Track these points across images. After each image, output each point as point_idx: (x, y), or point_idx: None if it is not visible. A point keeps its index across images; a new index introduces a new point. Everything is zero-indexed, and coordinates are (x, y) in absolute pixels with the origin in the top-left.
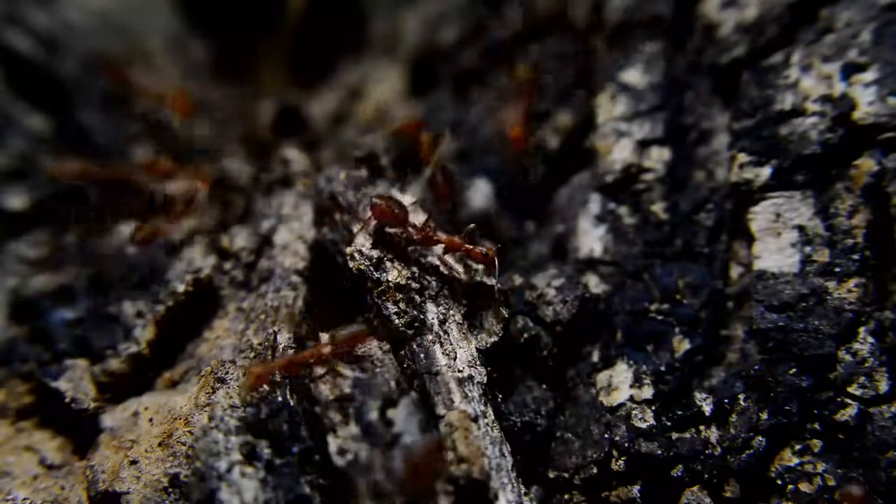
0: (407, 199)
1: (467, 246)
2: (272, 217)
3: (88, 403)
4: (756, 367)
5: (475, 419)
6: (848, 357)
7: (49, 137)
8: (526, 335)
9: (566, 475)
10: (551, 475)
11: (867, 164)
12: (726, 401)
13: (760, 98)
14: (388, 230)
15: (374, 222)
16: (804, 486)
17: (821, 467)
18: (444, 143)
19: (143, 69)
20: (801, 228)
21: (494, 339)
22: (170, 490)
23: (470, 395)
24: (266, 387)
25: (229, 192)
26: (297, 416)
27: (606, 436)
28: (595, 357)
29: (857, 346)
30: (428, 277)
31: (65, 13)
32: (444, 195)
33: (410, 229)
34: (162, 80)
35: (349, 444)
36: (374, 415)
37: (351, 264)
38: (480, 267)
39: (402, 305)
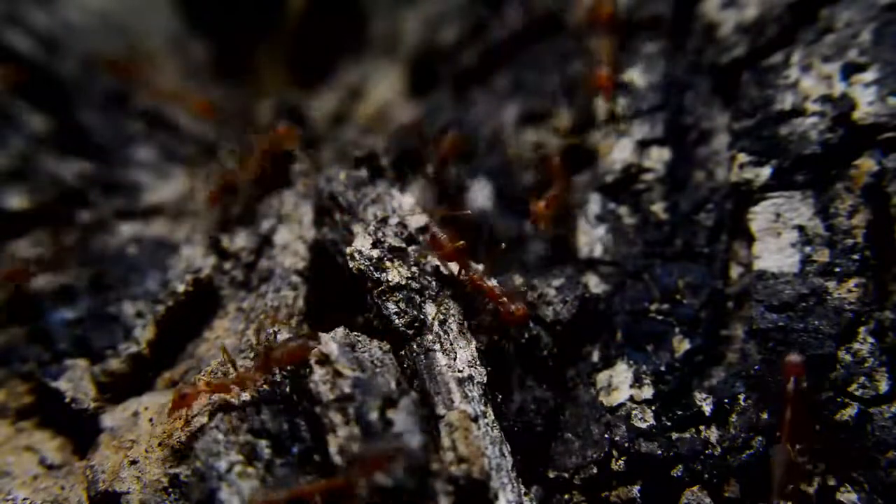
0: (407, 200)
1: (503, 300)
2: (272, 217)
3: (88, 403)
4: (756, 367)
5: (475, 419)
6: (848, 357)
7: (49, 137)
8: (526, 335)
9: (566, 475)
10: (551, 475)
11: (867, 164)
12: (726, 401)
13: (760, 98)
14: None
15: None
16: (804, 486)
17: (821, 467)
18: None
19: (145, 69)
20: (801, 228)
21: (494, 339)
22: (170, 490)
23: (470, 395)
24: (187, 411)
25: (229, 192)
26: (297, 416)
27: (606, 436)
28: (595, 357)
29: (857, 346)
30: (428, 277)
31: (65, 13)
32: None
33: (463, 270)
34: (171, 80)
35: (349, 444)
36: (374, 415)
37: (351, 264)
38: (481, 267)
39: (402, 305)
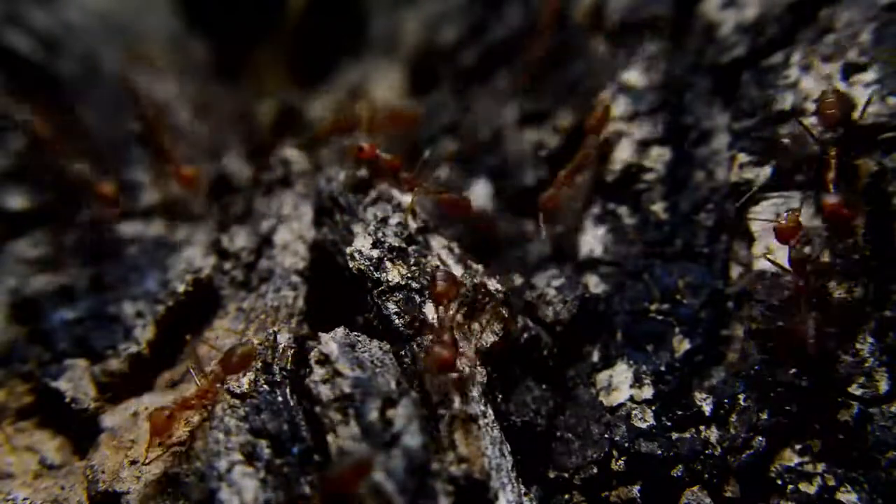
0: (407, 200)
1: (455, 348)
2: (272, 217)
3: (88, 403)
4: (756, 367)
5: (475, 419)
6: (848, 357)
7: (49, 137)
8: (526, 335)
9: (566, 475)
10: (551, 475)
11: (867, 164)
12: (726, 401)
13: (760, 98)
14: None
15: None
16: (804, 486)
17: (821, 467)
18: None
19: (144, 69)
20: None
21: (494, 339)
22: (170, 490)
23: (470, 395)
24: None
25: (229, 192)
26: (297, 416)
27: (606, 436)
28: (595, 357)
29: (857, 346)
30: (428, 277)
31: (65, 13)
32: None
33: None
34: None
35: (349, 444)
36: (374, 415)
37: (351, 264)
38: (480, 267)
39: (402, 305)
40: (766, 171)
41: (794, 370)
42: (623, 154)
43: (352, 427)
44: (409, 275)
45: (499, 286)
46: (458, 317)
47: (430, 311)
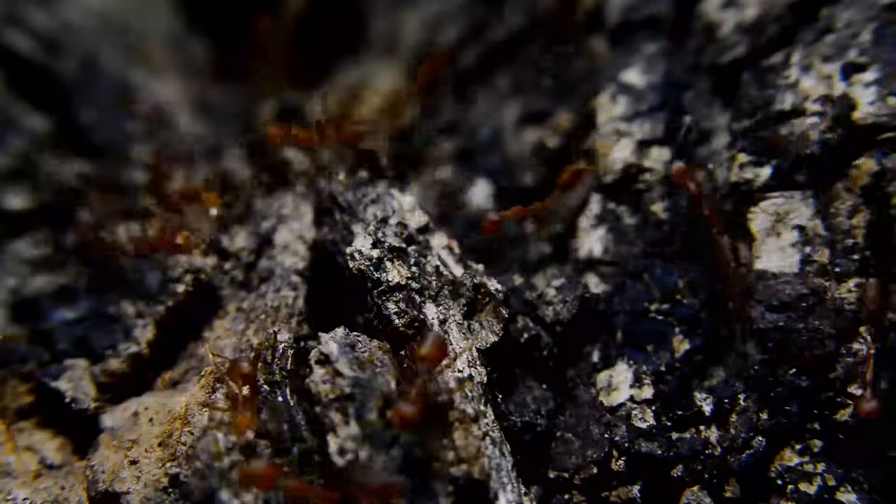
0: (407, 200)
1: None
2: (272, 217)
3: (88, 403)
4: (756, 367)
5: (475, 419)
6: (848, 357)
7: (49, 137)
8: (526, 335)
9: (566, 475)
10: (551, 475)
11: (867, 164)
12: (726, 401)
13: (760, 98)
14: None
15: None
16: (804, 486)
17: (821, 467)
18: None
19: (144, 69)
20: (801, 228)
21: (494, 339)
22: (170, 490)
23: (470, 395)
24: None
25: (229, 192)
26: (297, 416)
27: (606, 436)
28: (595, 357)
29: (857, 346)
30: (428, 277)
31: (65, 13)
32: None
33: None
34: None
35: (349, 444)
36: (373, 415)
37: (351, 264)
38: (480, 267)
39: (402, 305)
40: (766, 171)
41: (794, 370)
42: (623, 154)
43: (352, 427)
44: (409, 275)
45: (499, 286)
46: (433, 381)
47: (430, 311)
